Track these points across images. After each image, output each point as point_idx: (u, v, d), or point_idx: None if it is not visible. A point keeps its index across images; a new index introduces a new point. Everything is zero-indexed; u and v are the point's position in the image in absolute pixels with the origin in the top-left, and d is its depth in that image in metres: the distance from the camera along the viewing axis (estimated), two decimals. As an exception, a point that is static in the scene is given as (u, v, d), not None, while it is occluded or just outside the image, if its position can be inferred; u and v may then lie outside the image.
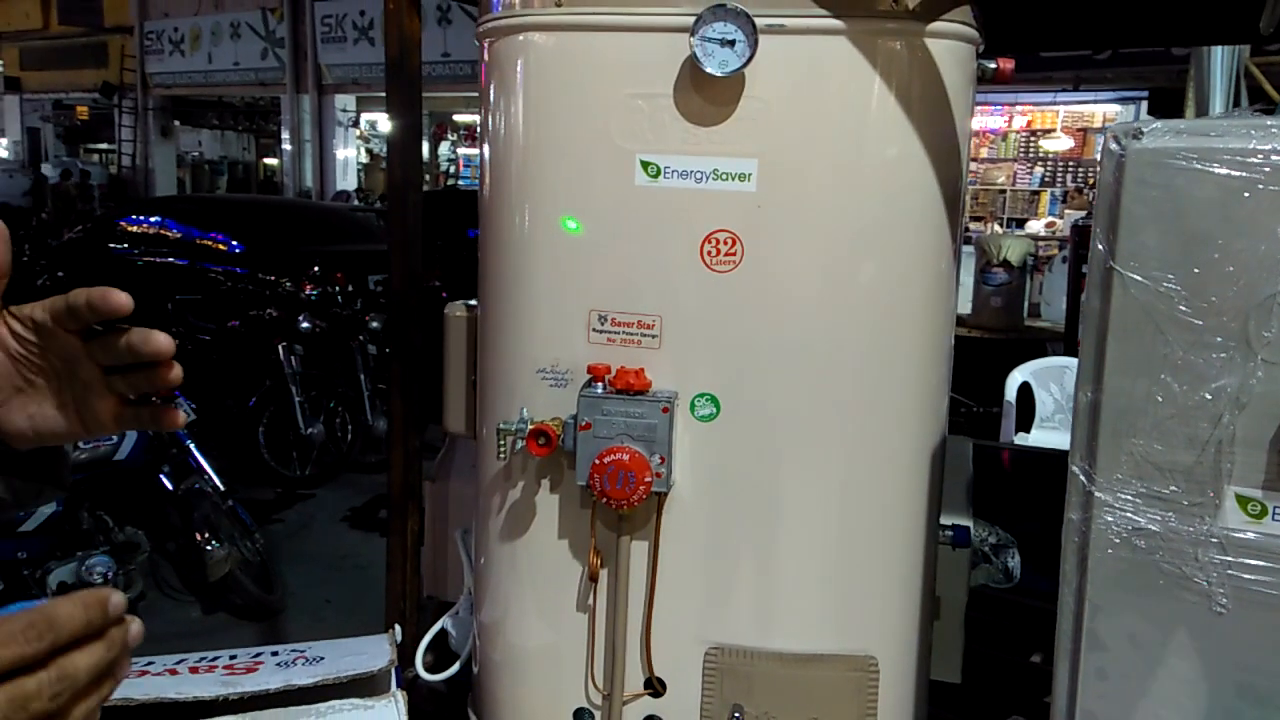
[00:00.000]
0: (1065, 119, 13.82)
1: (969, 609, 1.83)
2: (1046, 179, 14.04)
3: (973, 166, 15.07)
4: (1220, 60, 5.11)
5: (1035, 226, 12.70)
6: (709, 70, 1.38)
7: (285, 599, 4.44)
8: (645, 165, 1.46)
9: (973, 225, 14.27)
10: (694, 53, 1.38)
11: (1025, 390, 4.38)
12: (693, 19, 1.38)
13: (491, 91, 1.58)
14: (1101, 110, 13.25)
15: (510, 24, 1.52)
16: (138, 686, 1.54)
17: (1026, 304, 6.13)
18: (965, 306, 5.94)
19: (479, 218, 1.64)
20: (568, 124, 1.50)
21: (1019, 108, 14.41)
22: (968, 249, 6.46)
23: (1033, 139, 14.50)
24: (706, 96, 1.43)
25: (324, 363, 6.18)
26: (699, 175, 1.45)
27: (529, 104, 1.53)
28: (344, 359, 6.25)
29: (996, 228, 13.27)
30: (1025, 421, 4.38)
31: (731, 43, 1.38)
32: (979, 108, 14.59)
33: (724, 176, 1.44)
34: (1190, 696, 1.19)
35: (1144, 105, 12.02)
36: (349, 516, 5.50)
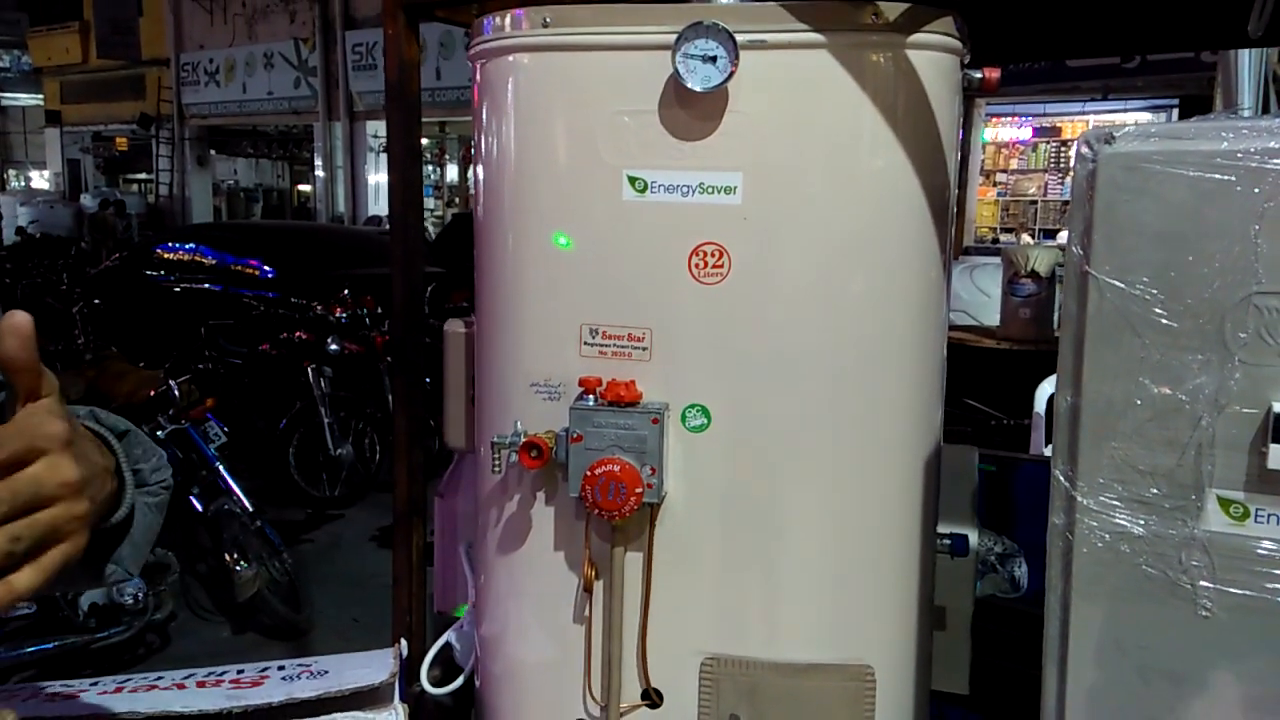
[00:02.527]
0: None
1: (977, 619, 1.81)
2: (1078, 189, 13.93)
3: (1002, 178, 15.03)
4: (1248, 65, 5.04)
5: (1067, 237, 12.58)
6: (691, 86, 1.40)
7: (313, 618, 4.49)
8: (632, 180, 1.48)
9: (1003, 237, 14.19)
10: (676, 69, 1.40)
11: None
12: (675, 36, 1.40)
13: (484, 112, 1.61)
14: (1132, 119, 13.18)
15: (500, 45, 1.55)
16: (144, 700, 1.57)
17: (1056, 315, 6.05)
18: (993, 318, 5.90)
19: (474, 236, 1.66)
20: (557, 142, 1.53)
21: (1046, 118, 14.34)
22: (995, 260, 6.42)
23: (1063, 149, 14.41)
24: (691, 112, 1.45)
25: (353, 385, 6.25)
26: (685, 189, 1.46)
27: (519, 123, 1.56)
28: (372, 381, 6.32)
29: (1027, 238, 13.18)
30: (1054, 434, 4.31)
31: (713, 59, 1.40)
32: (1008, 119, 14.56)
33: (710, 190, 1.45)
34: (1178, 701, 1.18)
35: (1175, 113, 11.91)
36: (377, 536, 5.56)
